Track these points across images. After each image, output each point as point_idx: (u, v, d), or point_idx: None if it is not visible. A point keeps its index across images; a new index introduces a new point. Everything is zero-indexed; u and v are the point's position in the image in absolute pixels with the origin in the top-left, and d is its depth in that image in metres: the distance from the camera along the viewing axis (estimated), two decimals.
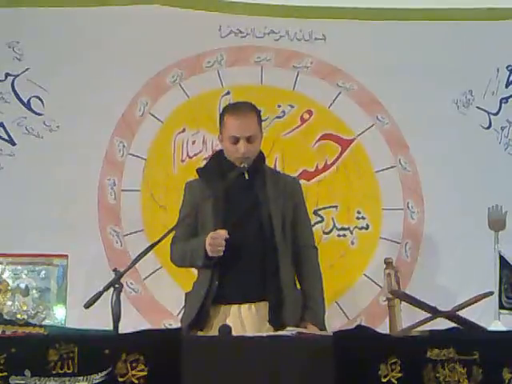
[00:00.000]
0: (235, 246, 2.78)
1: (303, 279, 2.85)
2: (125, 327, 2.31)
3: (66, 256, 3.24)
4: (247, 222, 2.82)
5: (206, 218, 2.84)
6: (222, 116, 2.94)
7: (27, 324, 2.42)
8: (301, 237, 2.90)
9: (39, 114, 3.77)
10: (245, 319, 2.75)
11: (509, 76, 3.97)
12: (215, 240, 2.70)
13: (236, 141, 2.83)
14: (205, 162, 3.24)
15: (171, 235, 2.90)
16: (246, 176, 2.85)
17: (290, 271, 2.83)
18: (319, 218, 3.78)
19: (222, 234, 2.70)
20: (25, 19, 3.80)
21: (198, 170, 2.99)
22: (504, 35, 3.94)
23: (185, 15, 3.88)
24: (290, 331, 2.37)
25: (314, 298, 2.83)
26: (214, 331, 2.72)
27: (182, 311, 3.51)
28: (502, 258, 3.09)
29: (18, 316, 2.64)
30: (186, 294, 3.02)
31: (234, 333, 2.40)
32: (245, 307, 2.77)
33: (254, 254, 2.78)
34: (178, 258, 2.91)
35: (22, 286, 3.01)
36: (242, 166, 2.84)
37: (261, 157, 2.94)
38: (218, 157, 2.96)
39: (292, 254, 2.87)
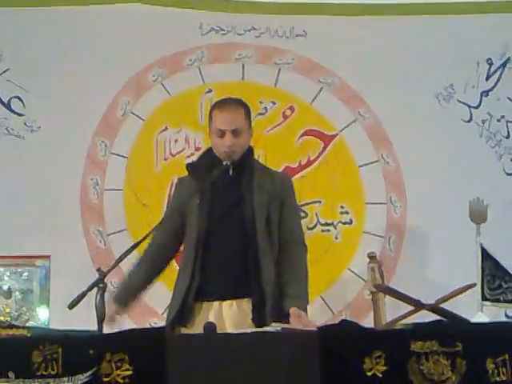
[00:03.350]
0: (218, 242, 2.77)
1: (284, 272, 2.80)
2: (110, 327, 2.30)
3: (48, 257, 3.23)
4: (230, 218, 2.81)
5: (192, 214, 2.83)
6: (210, 112, 2.92)
7: (10, 326, 2.41)
8: (287, 232, 2.87)
9: (20, 115, 3.75)
10: (226, 316, 2.74)
11: (489, 69, 3.99)
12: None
13: (222, 134, 2.82)
14: (193, 159, 3.22)
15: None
16: (231, 172, 2.84)
17: (273, 268, 2.81)
18: (303, 214, 3.78)
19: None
20: (4, 19, 3.78)
21: (188, 166, 2.97)
22: (483, 29, 3.96)
23: (165, 13, 3.87)
24: (274, 327, 2.37)
25: (294, 285, 2.76)
26: (196, 328, 2.71)
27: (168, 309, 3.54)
28: (483, 250, 3.11)
29: (1, 318, 2.63)
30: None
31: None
32: (226, 304, 2.76)
33: (235, 250, 2.77)
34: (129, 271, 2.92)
35: (5, 287, 3.00)
36: (224, 163, 2.83)
37: (249, 152, 2.92)
38: (207, 153, 2.95)
39: (278, 251, 2.85)
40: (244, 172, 2.86)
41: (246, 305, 2.76)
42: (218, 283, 2.75)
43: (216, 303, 2.76)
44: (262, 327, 2.53)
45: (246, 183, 2.84)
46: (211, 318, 2.66)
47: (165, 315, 3.42)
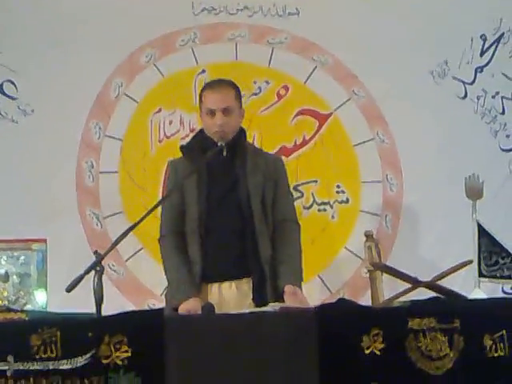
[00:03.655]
0: (216, 225, 2.78)
1: (278, 251, 2.81)
2: (108, 309, 2.30)
3: (45, 240, 3.22)
4: (227, 200, 2.82)
5: (190, 195, 2.82)
6: (201, 93, 2.92)
7: (8, 310, 2.41)
8: (280, 212, 2.88)
9: (13, 98, 3.73)
10: (226, 297, 2.76)
11: (483, 45, 3.98)
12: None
13: (213, 114, 2.82)
14: (186, 141, 3.20)
15: (152, 215, 2.86)
16: (225, 153, 2.84)
17: (270, 249, 2.82)
18: (299, 194, 3.79)
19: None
20: None
21: (181, 148, 2.97)
22: (476, 4, 3.95)
23: None
24: (272, 307, 2.38)
25: (288, 264, 2.78)
26: None
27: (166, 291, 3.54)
28: (479, 227, 3.12)
29: None
30: None
31: (216, 311, 2.40)
32: (225, 285, 2.77)
33: (233, 232, 2.78)
34: (164, 265, 2.87)
35: (2, 271, 2.99)
36: (219, 144, 2.82)
37: (241, 133, 2.92)
38: (199, 135, 2.95)
39: (272, 231, 2.86)
40: (237, 153, 2.86)
41: (246, 285, 2.77)
42: (218, 265, 2.76)
43: (216, 285, 2.77)
44: (261, 307, 2.53)
45: (239, 165, 2.84)
46: (211, 300, 2.66)
47: (163, 296, 3.44)
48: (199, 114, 2.96)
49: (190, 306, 2.68)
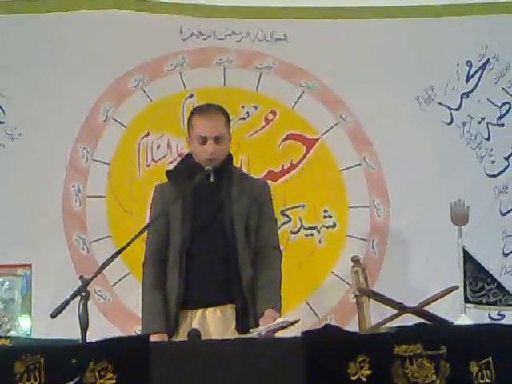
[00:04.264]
0: (200, 250, 2.78)
1: (258, 276, 2.80)
2: (94, 335, 2.28)
3: (30, 265, 3.20)
4: (211, 226, 2.81)
5: (175, 220, 2.82)
6: (190, 118, 2.92)
7: None
8: (262, 238, 2.88)
9: (0, 122, 3.72)
10: (210, 323, 2.74)
11: (468, 71, 4.01)
12: None
13: (204, 141, 2.82)
14: (173, 165, 3.20)
15: (139, 239, 2.86)
16: (212, 178, 2.84)
17: (251, 274, 2.82)
18: (287, 218, 3.79)
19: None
20: None
21: (168, 173, 2.97)
22: (462, 31, 3.98)
23: (145, 18, 3.86)
24: (256, 332, 2.37)
25: (267, 289, 2.77)
26: (180, 336, 2.71)
27: None
28: (465, 252, 3.13)
29: None
30: None
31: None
32: (209, 311, 2.76)
33: (217, 258, 2.78)
34: (143, 289, 2.88)
35: None
36: (206, 169, 2.83)
37: (229, 159, 2.92)
38: (186, 159, 2.95)
39: (253, 256, 2.85)
40: (224, 179, 2.86)
41: (230, 311, 2.76)
42: (201, 291, 2.75)
43: (199, 311, 2.76)
44: (245, 334, 2.52)
45: (225, 190, 2.85)
46: (195, 326, 2.65)
47: None
48: (187, 137, 2.96)
49: (156, 339, 2.65)
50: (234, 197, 2.83)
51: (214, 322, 2.74)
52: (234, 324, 2.74)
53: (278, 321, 2.54)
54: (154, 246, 2.86)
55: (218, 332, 2.69)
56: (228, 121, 2.91)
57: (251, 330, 2.45)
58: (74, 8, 3.82)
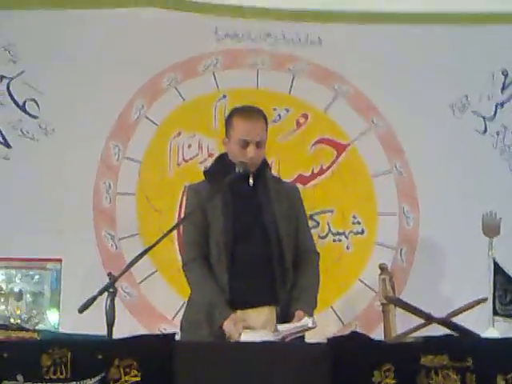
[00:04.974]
0: (242, 253, 2.75)
1: (298, 279, 2.79)
2: (119, 332, 2.30)
3: (60, 260, 3.22)
4: (253, 226, 2.79)
5: (216, 221, 2.79)
6: (230, 118, 2.88)
7: (20, 328, 2.41)
8: (303, 242, 2.88)
9: (34, 117, 3.76)
10: (252, 325, 2.71)
11: (504, 81, 3.98)
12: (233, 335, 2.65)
13: (245, 145, 2.79)
14: (209, 165, 3.14)
15: (167, 238, 2.84)
16: (251, 181, 2.84)
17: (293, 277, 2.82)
18: (315, 223, 3.78)
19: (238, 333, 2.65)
20: (20, 21, 3.79)
21: (205, 173, 2.96)
22: (499, 40, 3.95)
23: (181, 18, 3.88)
24: (277, 334, 2.38)
25: (304, 291, 2.77)
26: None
27: (178, 315, 3.52)
28: (495, 265, 3.09)
29: (12, 320, 2.63)
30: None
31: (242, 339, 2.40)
32: (252, 312, 2.74)
33: (261, 258, 2.74)
34: (195, 287, 2.82)
35: (16, 290, 3.00)
36: (237, 170, 2.82)
37: (264, 162, 2.92)
38: (221, 160, 2.93)
39: (294, 259, 2.85)
40: (260, 182, 2.86)
41: (272, 312, 2.74)
42: (245, 292, 2.71)
43: (242, 312, 2.74)
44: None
45: (263, 193, 2.84)
46: (238, 328, 2.64)
47: (174, 321, 3.45)
48: (223, 137, 2.92)
49: (234, 321, 2.64)
50: (273, 199, 2.83)
51: (256, 324, 2.71)
52: (274, 324, 2.71)
53: (299, 324, 2.55)
54: (198, 243, 2.81)
55: (261, 334, 2.67)
56: (267, 125, 2.90)
57: (278, 326, 2.47)
58: (111, 5, 3.85)
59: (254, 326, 2.71)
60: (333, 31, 3.94)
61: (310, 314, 2.71)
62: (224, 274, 2.74)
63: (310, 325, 2.55)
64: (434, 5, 3.95)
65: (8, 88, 3.76)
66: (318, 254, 2.95)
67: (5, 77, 3.77)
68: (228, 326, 2.64)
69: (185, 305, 2.94)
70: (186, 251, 2.89)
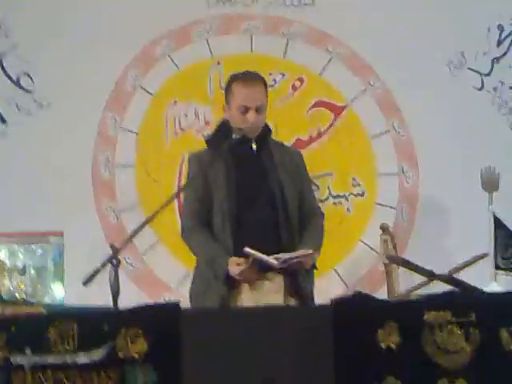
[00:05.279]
0: (248, 217, 2.74)
1: (304, 235, 2.81)
2: (124, 303, 2.31)
3: (62, 233, 3.23)
4: (259, 192, 2.79)
5: (219, 188, 2.79)
6: (229, 84, 2.86)
7: (26, 303, 2.43)
8: (308, 205, 2.89)
9: (29, 92, 3.74)
10: (258, 290, 2.71)
11: (500, 35, 3.94)
12: (246, 276, 2.66)
13: (245, 110, 2.79)
14: (210, 132, 3.10)
15: (168, 208, 2.83)
16: (254, 147, 2.83)
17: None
18: (315, 187, 3.76)
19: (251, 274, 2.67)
20: None
21: (206, 140, 2.94)
22: None
23: None
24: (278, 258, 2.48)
25: (309, 237, 2.81)
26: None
27: (182, 284, 3.55)
28: (496, 219, 3.10)
29: (16, 295, 2.65)
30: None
31: (249, 303, 2.45)
32: (258, 281, 2.72)
33: (267, 224, 2.75)
34: (194, 251, 2.83)
35: (19, 264, 3.01)
36: (234, 136, 2.80)
37: (267, 128, 2.90)
38: (223, 126, 2.90)
39: (299, 221, 2.86)
40: (264, 148, 2.85)
41: (279, 278, 2.74)
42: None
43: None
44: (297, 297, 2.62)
45: (267, 159, 2.83)
46: (244, 292, 2.67)
47: (179, 290, 3.47)
48: (225, 104, 2.86)
49: (234, 262, 2.65)
50: (277, 163, 2.83)
51: (262, 289, 2.72)
52: (282, 292, 2.73)
53: (299, 252, 2.60)
54: (197, 213, 2.80)
55: (268, 297, 2.67)
56: (267, 89, 2.88)
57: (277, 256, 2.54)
58: None
59: (262, 292, 2.72)
60: None
61: (313, 260, 2.74)
62: (229, 241, 2.73)
63: (311, 251, 2.60)
64: None
65: (1, 63, 3.74)
66: (323, 214, 2.97)
67: None
68: (233, 270, 2.65)
69: (189, 274, 2.95)
70: (183, 220, 2.90)
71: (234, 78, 2.88)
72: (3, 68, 3.75)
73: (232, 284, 2.71)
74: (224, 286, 2.70)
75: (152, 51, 3.82)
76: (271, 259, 2.58)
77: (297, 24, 3.88)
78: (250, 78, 2.85)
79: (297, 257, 2.61)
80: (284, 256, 2.60)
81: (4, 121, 3.73)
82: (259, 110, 2.79)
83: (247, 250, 2.59)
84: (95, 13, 3.78)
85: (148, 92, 3.81)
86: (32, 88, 3.75)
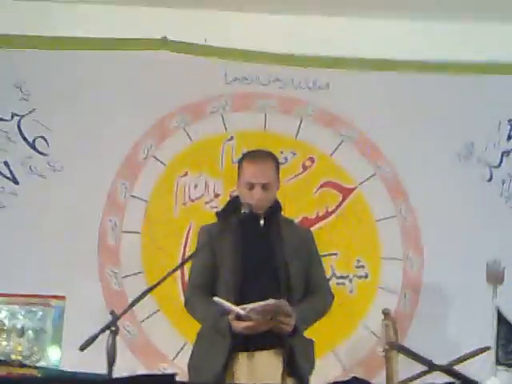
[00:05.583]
0: (251, 294, 2.74)
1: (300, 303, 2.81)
2: (120, 370, 2.29)
3: (64, 297, 3.22)
4: (263, 267, 2.80)
5: (225, 260, 2.82)
6: (240, 162, 2.95)
7: (22, 365, 2.40)
8: (315, 283, 2.90)
9: (44, 154, 3.80)
10: (256, 367, 2.70)
11: (510, 129, 4.00)
12: (251, 329, 2.67)
13: (251, 187, 2.85)
14: (221, 207, 3.16)
15: (171, 277, 2.85)
16: (262, 223, 2.86)
17: None
18: None
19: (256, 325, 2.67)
20: (32, 61, 3.85)
21: (217, 213, 3.00)
22: (506, 89, 3.98)
23: (191, 61, 3.93)
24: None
25: (304, 306, 2.79)
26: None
27: (179, 355, 3.51)
28: (499, 314, 3.08)
29: (13, 356, 2.63)
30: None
31: (245, 381, 2.40)
32: (258, 354, 2.72)
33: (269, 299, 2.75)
34: (198, 316, 2.84)
35: (18, 326, 2.99)
36: (242, 212, 2.84)
37: (278, 206, 2.95)
38: (234, 202, 2.96)
39: (303, 298, 2.85)
40: (273, 224, 2.88)
41: (277, 356, 2.73)
42: (253, 334, 2.69)
43: (245, 354, 2.72)
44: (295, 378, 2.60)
45: (275, 234, 2.86)
46: (241, 369, 2.66)
47: (175, 361, 3.43)
48: (238, 180, 2.94)
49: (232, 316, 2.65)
50: (285, 240, 2.85)
51: (260, 366, 2.70)
52: (281, 369, 2.71)
53: (263, 302, 2.58)
54: (203, 283, 2.83)
55: (265, 376, 2.66)
56: (277, 166, 2.94)
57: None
58: (122, 47, 3.91)
59: (261, 371, 2.69)
60: (341, 77, 3.98)
61: (303, 326, 2.72)
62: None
63: (272, 302, 2.56)
64: (443, 54, 4.00)
65: (19, 125, 3.81)
66: (332, 294, 2.95)
67: (16, 114, 3.82)
68: (236, 326, 2.64)
69: (187, 345, 2.93)
70: (187, 290, 2.93)
71: (244, 156, 2.97)
72: (20, 130, 3.81)
73: (238, 342, 2.68)
74: (225, 355, 2.67)
75: (168, 123, 3.89)
76: (238, 309, 2.59)
77: (310, 106, 3.96)
78: (257, 155, 2.93)
79: (263, 307, 2.58)
80: (249, 306, 2.59)
81: (17, 182, 3.77)
82: (266, 187, 2.84)
83: (216, 298, 2.62)
84: (114, 82, 3.86)
85: (161, 162, 3.86)
86: (47, 151, 3.80)
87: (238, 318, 2.66)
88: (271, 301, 2.59)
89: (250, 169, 2.86)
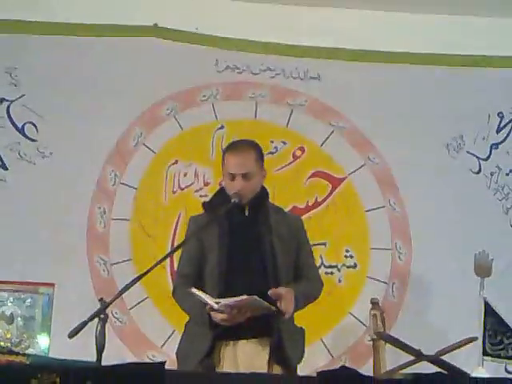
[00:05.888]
0: (237, 284, 2.75)
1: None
2: (109, 358, 2.29)
3: (53, 285, 3.22)
4: (250, 259, 2.81)
5: (211, 250, 2.83)
6: (223, 154, 2.95)
7: (10, 352, 2.40)
8: (304, 271, 2.89)
9: (33, 140, 3.79)
10: (240, 356, 2.70)
11: (500, 122, 4.02)
12: (226, 321, 2.66)
13: (233, 177, 2.85)
14: (209, 198, 3.12)
15: (160, 266, 2.85)
16: (247, 213, 2.87)
17: None
18: None
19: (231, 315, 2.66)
20: (23, 46, 3.84)
21: (204, 204, 3.00)
22: (496, 83, 4.00)
23: (182, 49, 3.93)
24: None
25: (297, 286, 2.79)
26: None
27: (167, 343, 3.52)
28: (486, 305, 3.10)
29: (1, 344, 2.62)
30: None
31: (230, 369, 2.38)
32: (241, 344, 2.72)
33: (256, 289, 2.74)
34: (184, 306, 2.84)
35: (7, 313, 2.99)
36: (233, 200, 2.85)
37: (263, 193, 2.95)
38: (220, 193, 2.96)
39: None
40: (260, 213, 2.88)
41: (262, 344, 2.73)
42: (238, 323, 2.67)
43: (231, 343, 2.73)
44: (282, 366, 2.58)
45: (263, 223, 2.86)
46: (226, 358, 2.66)
47: (164, 348, 3.44)
48: (217, 167, 2.97)
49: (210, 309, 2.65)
50: (272, 228, 2.85)
51: (245, 355, 2.70)
52: (266, 358, 2.71)
53: (239, 298, 2.57)
54: (189, 276, 2.84)
55: (249, 365, 2.67)
56: (260, 155, 2.93)
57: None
58: (113, 34, 3.89)
59: (245, 359, 2.70)
60: (332, 68, 3.99)
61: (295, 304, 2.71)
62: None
63: (244, 298, 2.55)
64: (434, 46, 4.01)
65: (8, 111, 3.80)
66: (322, 283, 2.96)
67: (5, 99, 3.80)
68: (215, 317, 2.64)
69: (175, 333, 2.93)
70: (175, 279, 2.93)
71: (226, 148, 2.97)
72: (9, 116, 3.80)
73: (220, 332, 2.68)
74: (208, 343, 2.68)
75: (158, 111, 3.88)
76: (212, 302, 2.59)
77: (302, 96, 3.96)
78: (239, 146, 2.92)
79: (235, 302, 2.59)
80: (224, 301, 2.59)
81: (5, 167, 3.75)
82: (246, 177, 2.84)
83: (193, 290, 2.62)
84: (105, 69, 3.85)
85: (151, 150, 3.86)
86: (36, 137, 3.79)
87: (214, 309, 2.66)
88: (244, 297, 2.59)
89: (230, 159, 2.86)
